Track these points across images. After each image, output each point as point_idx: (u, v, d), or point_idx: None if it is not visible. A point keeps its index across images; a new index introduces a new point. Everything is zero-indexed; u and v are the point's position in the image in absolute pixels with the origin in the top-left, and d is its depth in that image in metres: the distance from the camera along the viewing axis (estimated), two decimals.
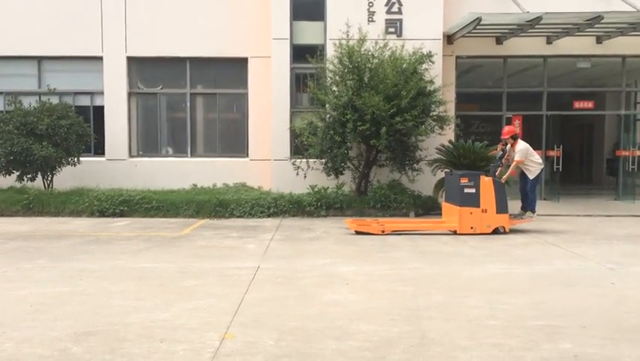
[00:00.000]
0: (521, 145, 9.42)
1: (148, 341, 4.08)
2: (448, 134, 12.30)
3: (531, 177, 9.46)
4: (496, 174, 9.34)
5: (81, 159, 12.43)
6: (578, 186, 17.08)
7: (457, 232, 9.01)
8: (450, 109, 12.31)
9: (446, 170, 11.05)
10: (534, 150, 9.72)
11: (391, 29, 12.36)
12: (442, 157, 11.70)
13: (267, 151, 12.96)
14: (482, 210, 8.96)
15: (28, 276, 6.14)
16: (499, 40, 13.16)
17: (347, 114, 10.73)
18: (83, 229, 9.53)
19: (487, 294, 5.42)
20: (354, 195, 11.69)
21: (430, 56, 11.36)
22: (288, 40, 12.51)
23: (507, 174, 9.46)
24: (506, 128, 9.77)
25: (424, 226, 9.68)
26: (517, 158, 9.32)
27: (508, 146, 9.56)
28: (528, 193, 9.48)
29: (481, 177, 9.07)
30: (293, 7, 12.48)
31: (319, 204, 11.17)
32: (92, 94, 13.56)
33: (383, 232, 9.08)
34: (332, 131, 11.05)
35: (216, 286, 5.72)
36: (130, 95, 13.49)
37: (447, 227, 9.35)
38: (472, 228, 8.98)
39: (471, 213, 8.97)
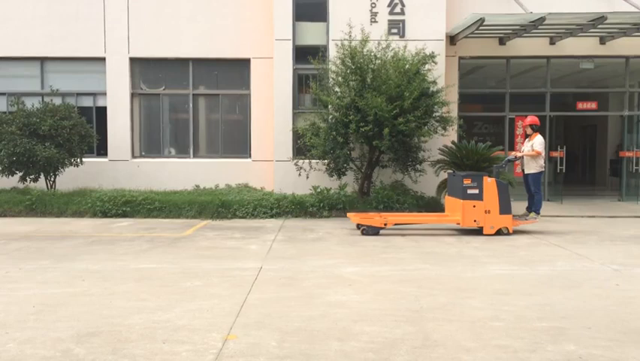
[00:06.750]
0: (541, 139, 9.62)
1: (150, 342, 4.07)
2: (451, 135, 12.27)
3: (526, 170, 9.53)
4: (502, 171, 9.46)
5: (84, 159, 12.45)
6: (581, 187, 17.05)
7: (461, 225, 9.00)
8: (453, 110, 12.28)
9: (449, 171, 11.03)
10: None
11: (394, 30, 12.34)
12: (445, 158, 11.67)
13: (269, 152, 12.97)
14: (485, 211, 8.94)
15: (30, 276, 6.13)
16: (502, 41, 13.14)
17: (350, 115, 10.72)
18: (86, 230, 9.53)
19: (490, 295, 5.40)
20: (357, 196, 11.67)
21: (432, 56, 11.32)
22: (291, 41, 12.50)
23: (523, 155, 9.63)
24: (529, 118, 9.82)
25: (427, 220, 9.65)
26: (538, 149, 9.43)
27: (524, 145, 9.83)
28: (534, 194, 9.49)
29: (484, 178, 9.04)
30: (295, 8, 12.46)
31: (322, 205, 11.17)
32: (94, 95, 13.58)
33: (385, 225, 9.06)
34: (334, 132, 11.03)
35: (219, 286, 5.71)
36: (132, 95, 13.50)
37: (450, 220, 9.32)
38: (475, 221, 8.97)
39: (474, 206, 8.94)
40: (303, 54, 12.31)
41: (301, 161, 12.01)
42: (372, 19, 12.33)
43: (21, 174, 11.75)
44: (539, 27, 11.58)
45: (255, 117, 13.30)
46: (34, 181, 11.89)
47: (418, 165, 11.58)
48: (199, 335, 4.24)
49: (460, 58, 13.22)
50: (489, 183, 8.99)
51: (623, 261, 7.04)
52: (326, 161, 11.55)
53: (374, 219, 9.27)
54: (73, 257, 7.17)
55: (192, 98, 13.61)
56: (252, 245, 8.13)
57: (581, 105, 14.18)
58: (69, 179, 12.44)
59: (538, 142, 9.50)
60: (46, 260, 6.98)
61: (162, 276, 6.16)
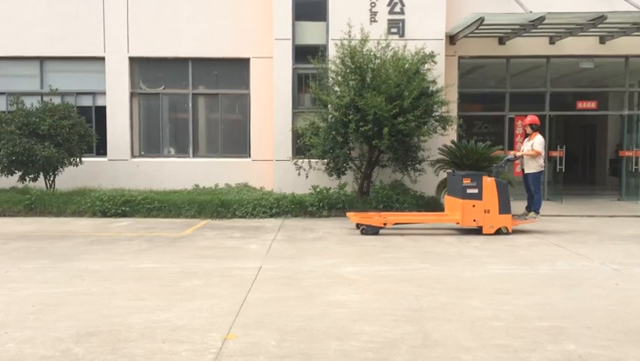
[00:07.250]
0: (541, 138, 9.60)
1: (150, 342, 4.07)
2: (451, 135, 12.27)
3: (526, 170, 9.52)
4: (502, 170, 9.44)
5: (83, 159, 12.43)
6: (580, 187, 17.06)
7: (460, 225, 8.99)
8: (452, 109, 12.28)
9: (449, 170, 11.03)
10: None
11: (394, 29, 12.34)
12: (445, 158, 11.67)
13: (269, 151, 12.96)
14: (485, 211, 8.94)
15: (30, 276, 6.13)
16: (501, 41, 13.14)
17: (349, 115, 10.71)
18: (85, 230, 9.52)
19: (490, 295, 5.40)
20: (357, 195, 11.66)
21: (432, 56, 11.31)
22: (290, 41, 12.49)
23: (523, 154, 9.60)
24: (529, 118, 9.81)
25: (426, 219, 9.64)
26: (538, 149, 9.41)
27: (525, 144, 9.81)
28: (534, 194, 9.49)
29: (484, 177, 9.04)
30: (295, 8, 12.45)
31: (321, 204, 11.16)
32: (94, 94, 13.57)
33: (385, 224, 9.05)
34: (334, 132, 11.03)
35: (219, 286, 5.71)
36: (132, 95, 13.49)
37: (450, 220, 9.32)
38: (474, 221, 8.96)
39: (473, 205, 8.94)
40: (303, 54, 12.30)
41: (301, 160, 12.01)
42: (372, 19, 12.32)
43: (20, 173, 11.73)
44: (539, 26, 11.57)
45: (254, 117, 13.29)
46: (33, 181, 11.88)
47: (417, 165, 11.57)
48: (198, 334, 4.23)
49: (460, 57, 13.21)
50: (488, 182, 8.98)
51: (622, 260, 7.04)
52: (325, 160, 11.55)
53: (374, 218, 9.26)
54: (73, 257, 7.17)
55: (192, 98, 13.60)
56: (252, 245, 8.12)
57: (580, 105, 14.18)
58: (68, 178, 12.43)
59: (538, 142, 9.49)
60: (45, 260, 6.98)
61: (162, 276, 6.16)
